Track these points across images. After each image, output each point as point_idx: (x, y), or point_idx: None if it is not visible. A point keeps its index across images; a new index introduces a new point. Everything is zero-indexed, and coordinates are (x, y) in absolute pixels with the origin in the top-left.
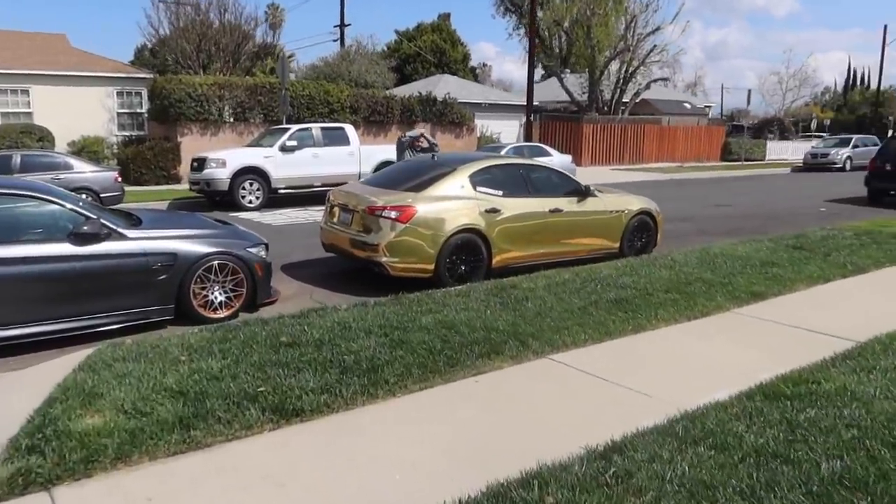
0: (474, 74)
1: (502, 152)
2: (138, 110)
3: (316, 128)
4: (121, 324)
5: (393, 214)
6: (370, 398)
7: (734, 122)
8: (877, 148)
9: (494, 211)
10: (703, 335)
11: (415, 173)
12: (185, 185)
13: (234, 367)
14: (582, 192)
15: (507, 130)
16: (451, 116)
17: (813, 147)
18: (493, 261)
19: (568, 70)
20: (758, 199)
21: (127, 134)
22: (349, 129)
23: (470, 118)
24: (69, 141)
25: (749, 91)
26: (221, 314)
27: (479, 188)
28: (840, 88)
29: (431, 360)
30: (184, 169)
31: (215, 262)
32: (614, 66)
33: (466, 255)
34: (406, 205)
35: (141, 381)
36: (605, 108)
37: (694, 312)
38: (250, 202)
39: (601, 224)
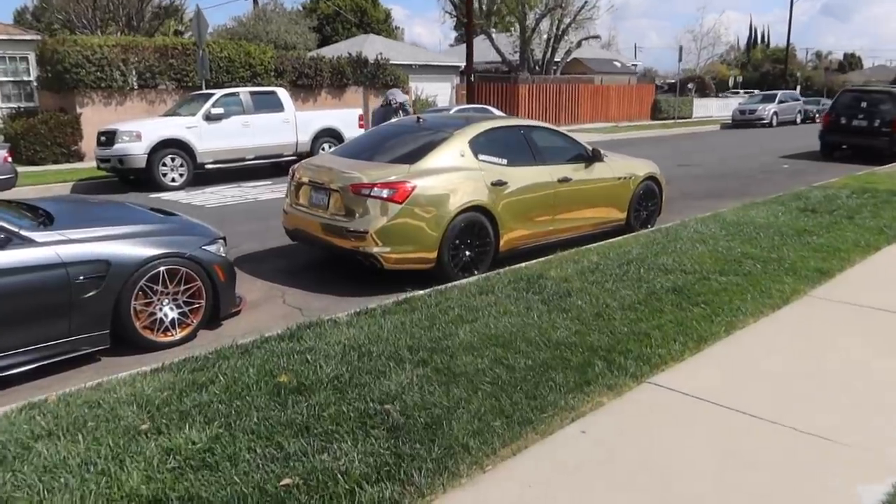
0: (395, 36)
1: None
2: (25, 78)
3: (244, 93)
4: (34, 363)
5: (385, 193)
6: (452, 479)
7: (657, 83)
8: (798, 103)
9: (501, 183)
10: (815, 334)
11: (401, 141)
12: (89, 163)
13: (229, 439)
14: (589, 157)
15: (441, 93)
16: (384, 79)
17: (741, 104)
18: (501, 243)
19: (493, 30)
20: (713, 158)
21: (13, 106)
22: (282, 94)
23: (405, 80)
24: None
25: (680, 48)
26: (175, 336)
27: (480, 156)
28: (743, 47)
29: (508, 402)
30: (87, 144)
31: (163, 269)
32: (545, 24)
33: (472, 238)
34: (401, 180)
35: (85, 486)
36: (537, 68)
37: (773, 300)
38: (173, 181)
39: (610, 193)
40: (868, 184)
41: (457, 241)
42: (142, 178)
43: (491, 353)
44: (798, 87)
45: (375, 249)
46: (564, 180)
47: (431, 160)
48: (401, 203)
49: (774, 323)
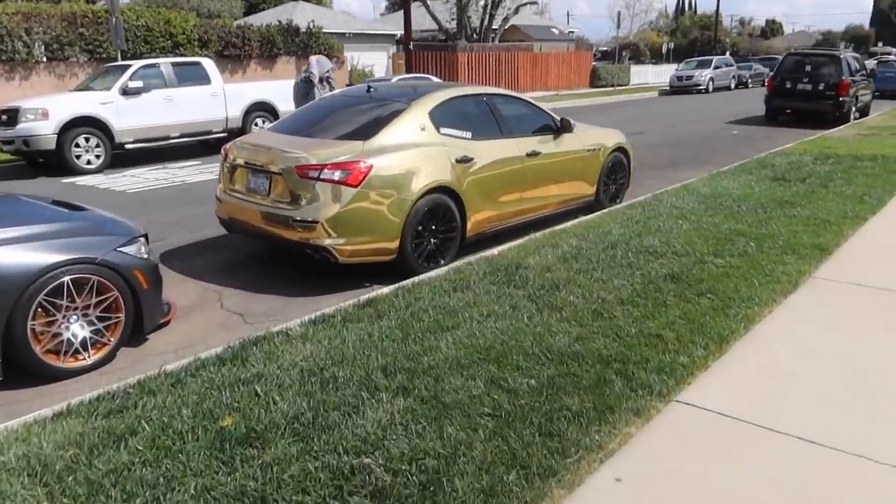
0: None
1: None
2: None
3: (166, 64)
4: None
5: (337, 175)
6: None
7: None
8: (732, 69)
9: (466, 160)
10: (839, 324)
11: (351, 114)
12: None
13: None
14: (557, 128)
15: (377, 63)
16: (317, 48)
17: (677, 70)
18: (468, 227)
19: None
20: (661, 125)
21: None
22: (208, 65)
23: (340, 49)
24: None
25: (619, 13)
26: (88, 360)
27: (442, 129)
28: (672, 14)
29: (520, 444)
30: None
31: (67, 279)
32: None
33: (437, 223)
34: (355, 159)
35: None
36: (475, 36)
37: (782, 285)
38: (89, 163)
39: (580, 167)
40: (826, 149)
41: (420, 228)
42: (52, 162)
43: (484, 373)
44: (727, 53)
45: (327, 241)
46: (533, 154)
47: (388, 135)
48: (356, 186)
49: (791, 312)
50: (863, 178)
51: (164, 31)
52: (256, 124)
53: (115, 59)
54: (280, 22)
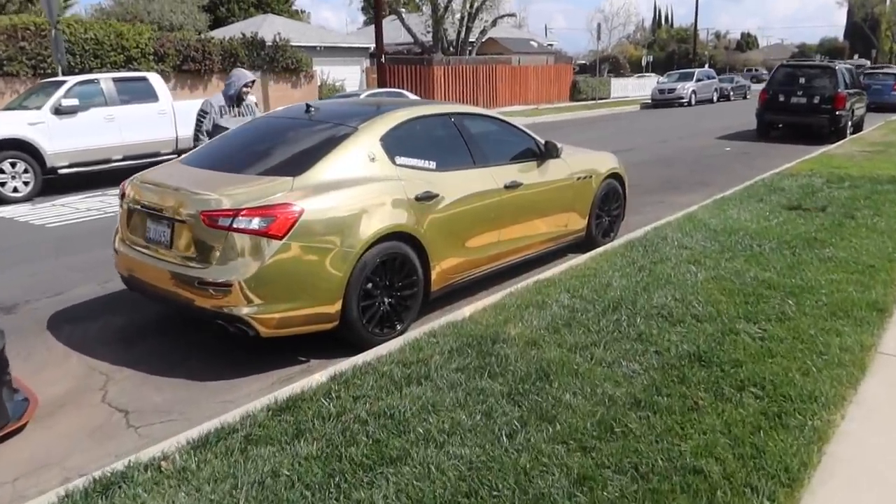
0: (300, 19)
1: None
2: None
3: (106, 79)
4: None
5: (255, 223)
6: None
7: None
8: (714, 81)
9: (428, 197)
10: None
11: (283, 142)
12: None
13: None
14: (541, 153)
15: (350, 77)
16: (284, 62)
17: (660, 83)
18: (433, 278)
19: (404, 10)
20: (649, 141)
21: None
22: (155, 80)
23: (308, 63)
24: None
25: (598, 25)
26: None
27: (398, 159)
28: (648, 27)
29: None
30: None
31: None
32: (458, 2)
33: (392, 277)
34: (280, 202)
35: None
36: (452, 49)
37: (846, 369)
38: (16, 190)
39: (568, 198)
40: (835, 169)
41: (370, 286)
42: None
43: None
44: (706, 66)
45: (245, 310)
46: (513, 186)
47: (326, 168)
48: (281, 237)
49: (872, 418)
50: (891, 207)
51: (115, 45)
52: None
53: (58, 75)
54: (244, 35)
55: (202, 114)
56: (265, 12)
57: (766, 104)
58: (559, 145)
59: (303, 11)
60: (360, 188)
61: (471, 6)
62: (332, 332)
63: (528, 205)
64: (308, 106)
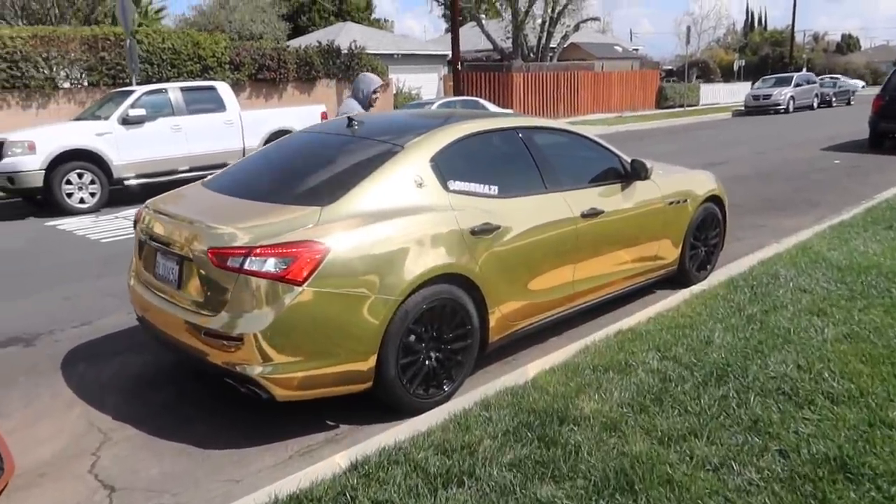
0: (381, 28)
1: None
2: None
3: (174, 89)
4: None
5: (271, 265)
6: None
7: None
8: (815, 86)
9: (488, 230)
10: None
11: (316, 162)
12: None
13: None
14: (626, 173)
15: (427, 85)
16: (360, 70)
17: (754, 88)
18: (491, 327)
19: (483, 16)
20: (745, 153)
21: None
22: (223, 89)
23: (384, 71)
24: None
25: (688, 28)
26: None
27: (452, 184)
28: (740, 31)
29: None
30: None
31: None
32: (539, 7)
33: (440, 328)
34: (301, 239)
35: None
36: (532, 55)
37: None
38: (82, 201)
39: (658, 226)
40: None
41: (412, 338)
42: (43, 200)
43: None
44: (804, 70)
45: (258, 369)
46: (591, 214)
47: (362, 196)
48: (301, 282)
49: None
50: None
51: (192, 54)
52: None
53: (132, 84)
54: (319, 43)
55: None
56: (345, 20)
57: (880, 111)
58: (648, 164)
59: (386, 20)
60: (402, 220)
61: (552, 11)
62: (363, 394)
63: (609, 236)
64: (350, 119)
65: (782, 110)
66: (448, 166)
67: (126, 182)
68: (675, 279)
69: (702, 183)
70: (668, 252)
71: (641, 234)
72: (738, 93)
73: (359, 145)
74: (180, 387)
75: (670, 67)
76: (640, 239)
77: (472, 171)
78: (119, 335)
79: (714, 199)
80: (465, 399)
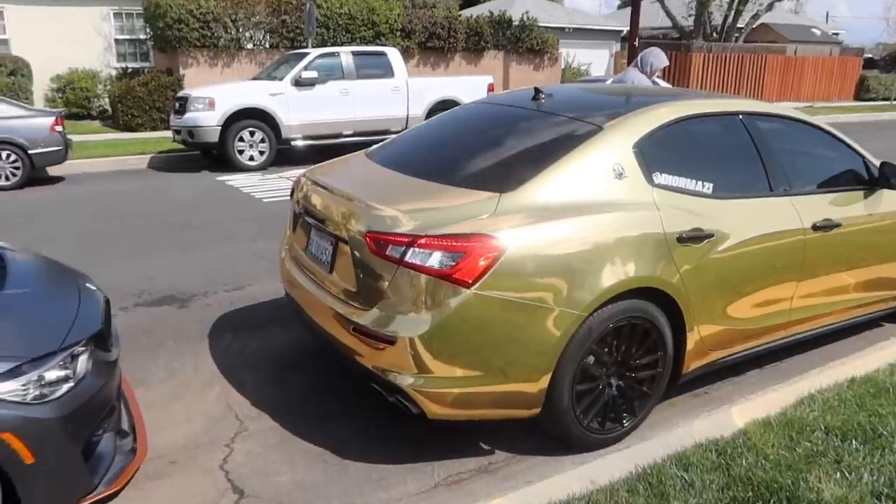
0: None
1: None
2: (141, 36)
3: (345, 53)
4: None
5: (437, 260)
6: None
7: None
8: None
9: (698, 237)
10: None
11: (493, 138)
12: None
13: None
14: (872, 178)
15: (597, 61)
16: (529, 42)
17: None
18: (689, 353)
19: None
20: None
21: (128, 66)
22: (393, 55)
23: (554, 44)
24: (53, 75)
25: None
26: None
27: (657, 176)
28: None
29: None
30: None
31: None
32: None
33: (627, 352)
34: (472, 232)
35: None
36: (715, 35)
37: None
38: (251, 159)
39: None
40: None
41: (591, 361)
42: (218, 155)
43: None
44: None
45: (410, 380)
46: (825, 227)
47: (549, 184)
48: (471, 283)
49: None
50: None
51: (367, 20)
52: None
53: (307, 47)
54: (491, 13)
55: None
56: None
57: None
58: None
59: None
60: (596, 218)
61: None
62: (529, 420)
63: (842, 255)
64: (537, 91)
65: None
66: (654, 155)
67: (293, 142)
68: None
69: None
70: None
71: (882, 254)
72: None
73: (547, 122)
74: (323, 374)
75: (870, 56)
76: (879, 260)
77: (683, 163)
78: (267, 305)
79: None
80: (655, 447)
